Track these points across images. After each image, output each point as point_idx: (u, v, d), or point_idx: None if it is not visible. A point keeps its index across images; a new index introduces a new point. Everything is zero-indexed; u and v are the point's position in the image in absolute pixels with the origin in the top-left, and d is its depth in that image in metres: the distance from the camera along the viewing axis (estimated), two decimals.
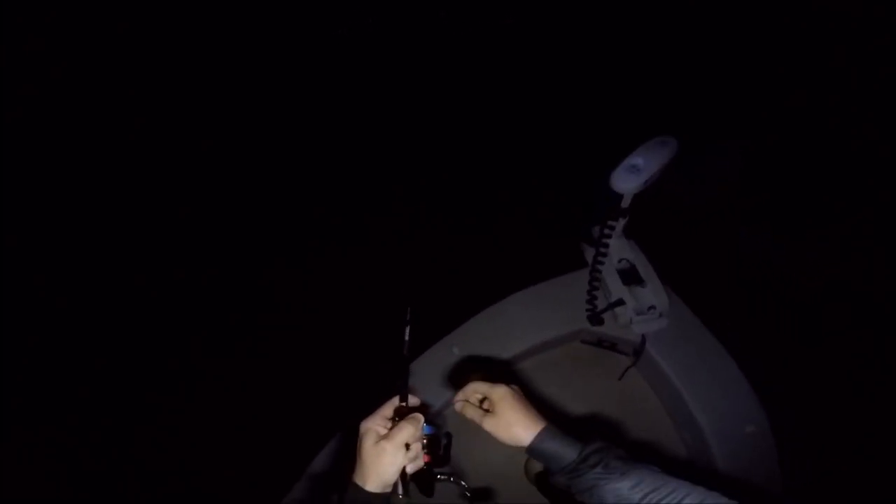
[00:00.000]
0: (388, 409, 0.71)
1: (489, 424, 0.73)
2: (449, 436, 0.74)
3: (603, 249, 1.25)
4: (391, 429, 0.67)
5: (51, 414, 2.04)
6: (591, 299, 1.33)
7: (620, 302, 1.31)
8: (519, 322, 1.40)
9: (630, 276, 1.32)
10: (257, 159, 2.90)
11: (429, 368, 1.34)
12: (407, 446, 0.66)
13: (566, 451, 0.69)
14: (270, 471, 1.76)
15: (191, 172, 2.81)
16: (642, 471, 0.66)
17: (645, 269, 1.33)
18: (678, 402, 1.30)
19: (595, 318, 1.35)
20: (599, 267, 1.28)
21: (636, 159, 1.18)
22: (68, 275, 2.43)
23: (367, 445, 0.65)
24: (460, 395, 0.78)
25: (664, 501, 0.61)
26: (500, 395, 0.74)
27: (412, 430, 0.66)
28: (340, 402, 1.31)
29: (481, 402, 0.77)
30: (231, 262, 2.47)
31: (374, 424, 0.68)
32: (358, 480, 0.64)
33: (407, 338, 0.75)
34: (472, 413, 0.75)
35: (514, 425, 0.72)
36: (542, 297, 1.43)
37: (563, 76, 3.08)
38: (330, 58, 3.28)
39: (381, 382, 0.77)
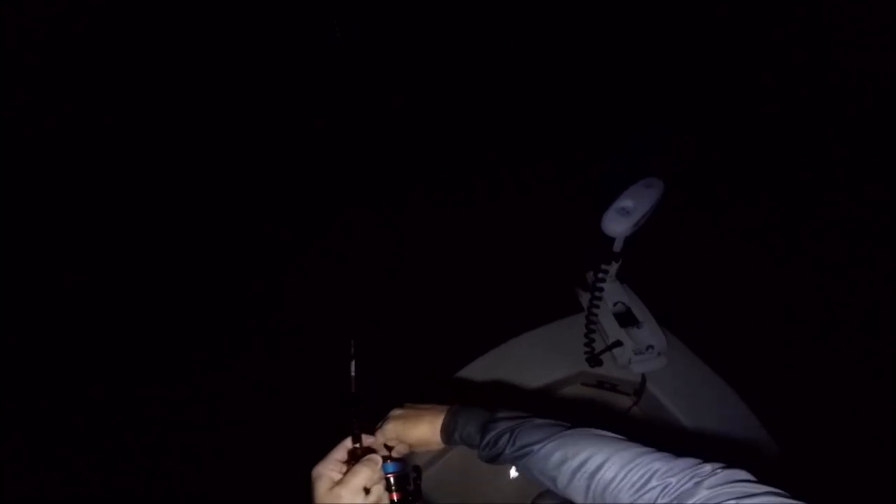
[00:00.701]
0: (341, 451, 0.67)
1: (417, 449, 0.74)
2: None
3: (598, 294, 1.23)
4: (346, 473, 0.62)
5: (48, 415, 2.03)
6: (589, 342, 1.31)
7: (618, 343, 1.28)
8: (517, 367, 1.37)
9: (626, 319, 1.30)
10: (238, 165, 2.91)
11: None
12: (367, 490, 0.62)
13: (472, 436, 0.69)
14: None
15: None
16: (562, 440, 0.63)
17: (640, 310, 1.31)
18: (684, 438, 1.28)
19: (594, 359, 1.33)
20: (595, 311, 1.25)
21: (625, 201, 1.16)
22: (62, 281, 2.45)
23: (321, 492, 0.61)
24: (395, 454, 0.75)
25: (582, 469, 0.59)
26: (391, 431, 0.74)
27: (368, 472, 0.62)
28: (296, 445, 1.28)
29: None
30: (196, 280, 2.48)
31: (327, 469, 0.63)
32: None
33: (353, 373, 0.71)
34: (405, 451, 0.74)
35: (423, 440, 0.73)
36: (540, 342, 1.40)
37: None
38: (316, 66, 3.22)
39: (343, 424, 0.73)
